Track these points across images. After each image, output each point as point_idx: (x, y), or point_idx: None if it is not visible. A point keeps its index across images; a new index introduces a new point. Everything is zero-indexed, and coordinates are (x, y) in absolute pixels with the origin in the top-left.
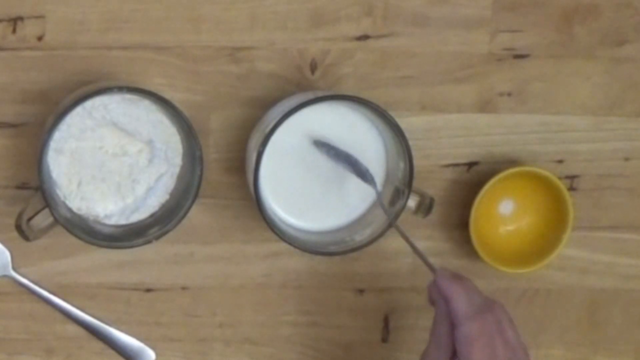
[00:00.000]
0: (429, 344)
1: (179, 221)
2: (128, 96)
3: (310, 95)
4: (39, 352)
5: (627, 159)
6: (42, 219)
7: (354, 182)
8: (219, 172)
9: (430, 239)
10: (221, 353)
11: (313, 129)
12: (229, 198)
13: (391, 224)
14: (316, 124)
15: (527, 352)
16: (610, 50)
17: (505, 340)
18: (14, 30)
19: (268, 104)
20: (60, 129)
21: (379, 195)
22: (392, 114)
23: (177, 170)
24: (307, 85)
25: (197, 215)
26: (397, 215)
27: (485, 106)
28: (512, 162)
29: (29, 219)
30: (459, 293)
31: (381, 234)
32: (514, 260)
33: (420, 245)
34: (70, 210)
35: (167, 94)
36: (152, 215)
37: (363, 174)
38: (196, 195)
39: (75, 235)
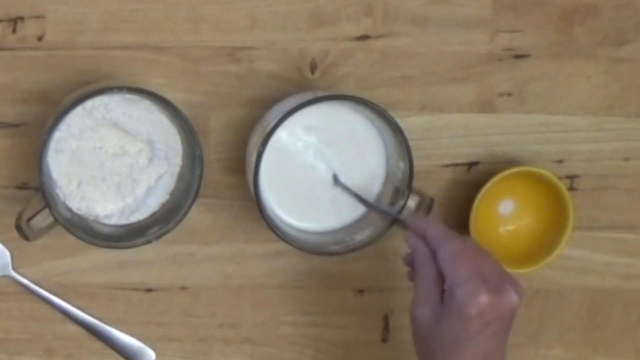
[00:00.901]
0: (414, 294)
1: (179, 221)
2: (128, 96)
3: (310, 95)
4: (39, 352)
5: (627, 159)
6: (42, 219)
7: (354, 183)
8: (219, 172)
9: None
10: (221, 353)
11: (313, 129)
12: (229, 198)
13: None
14: (316, 124)
15: (516, 282)
16: (610, 50)
17: (490, 261)
18: (14, 30)
19: (268, 104)
20: (60, 129)
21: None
22: (392, 114)
23: (177, 170)
24: (307, 85)
25: (197, 215)
26: (399, 211)
27: (485, 106)
28: (512, 162)
29: (29, 219)
30: (432, 223)
31: (381, 234)
32: (514, 260)
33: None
34: (70, 210)
35: (167, 94)
36: (152, 215)
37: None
38: (196, 195)
39: (75, 235)
